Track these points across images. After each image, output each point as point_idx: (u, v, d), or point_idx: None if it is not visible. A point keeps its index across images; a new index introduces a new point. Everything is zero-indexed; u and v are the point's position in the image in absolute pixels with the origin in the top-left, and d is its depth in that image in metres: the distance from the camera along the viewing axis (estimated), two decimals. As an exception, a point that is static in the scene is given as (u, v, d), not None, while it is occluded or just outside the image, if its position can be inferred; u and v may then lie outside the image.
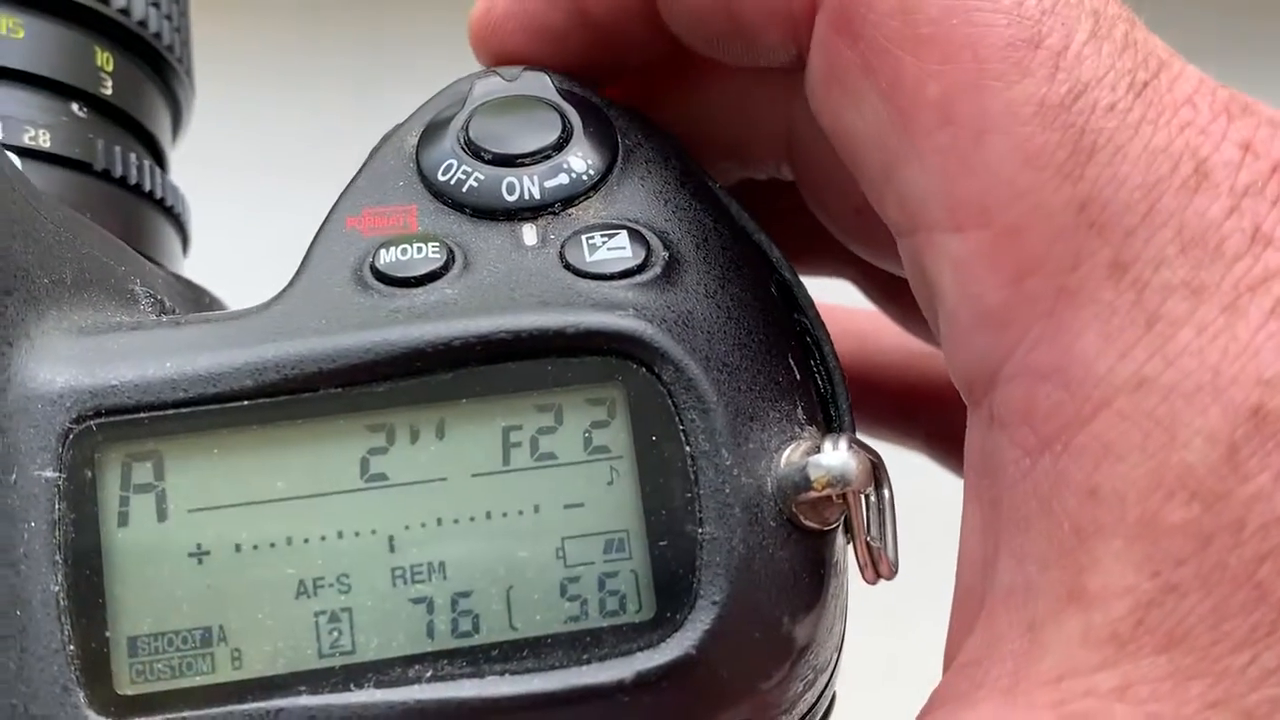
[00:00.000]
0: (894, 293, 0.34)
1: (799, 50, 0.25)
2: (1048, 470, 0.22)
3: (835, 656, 0.26)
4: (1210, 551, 0.21)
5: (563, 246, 0.25)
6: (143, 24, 0.32)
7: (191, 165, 0.37)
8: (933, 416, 0.36)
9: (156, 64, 0.33)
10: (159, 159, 0.33)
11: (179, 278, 0.30)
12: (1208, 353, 0.21)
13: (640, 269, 0.25)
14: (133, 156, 0.31)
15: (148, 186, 0.31)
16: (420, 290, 0.25)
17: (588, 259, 0.25)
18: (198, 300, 0.30)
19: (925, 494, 0.36)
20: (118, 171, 0.30)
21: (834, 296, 0.35)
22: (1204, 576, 0.21)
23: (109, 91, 0.31)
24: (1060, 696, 0.21)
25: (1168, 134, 0.22)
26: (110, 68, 0.31)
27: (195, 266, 0.34)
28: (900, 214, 0.24)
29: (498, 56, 0.28)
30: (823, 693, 0.26)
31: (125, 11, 0.31)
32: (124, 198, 0.31)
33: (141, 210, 0.31)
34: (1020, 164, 0.22)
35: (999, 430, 0.23)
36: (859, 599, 0.27)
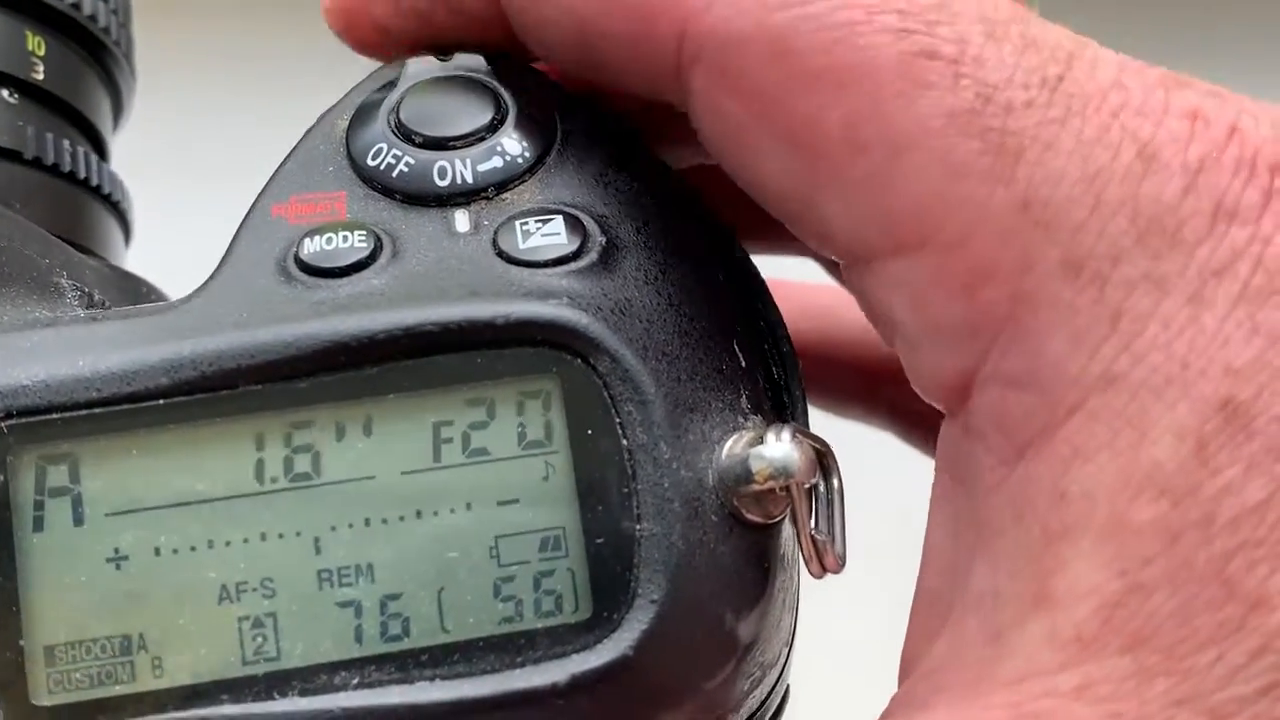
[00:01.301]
0: None
1: (672, 101, 0.24)
2: (1020, 478, 0.22)
3: (785, 651, 0.25)
4: (1178, 549, 0.20)
5: (496, 233, 0.24)
6: (76, 6, 0.31)
7: (141, 155, 0.36)
8: (897, 392, 0.35)
9: (93, 49, 0.32)
10: (98, 146, 0.32)
11: (114, 269, 0.29)
12: (1175, 346, 0.21)
13: (575, 255, 0.24)
14: (66, 144, 0.30)
15: (83, 174, 0.30)
16: (345, 281, 0.24)
17: (521, 246, 0.24)
18: (134, 291, 0.29)
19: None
20: (49, 159, 0.29)
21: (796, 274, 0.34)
22: (1171, 574, 0.20)
23: (40, 76, 0.30)
24: (1018, 698, 0.21)
25: (1099, 121, 0.21)
26: (42, 52, 0.30)
27: (150, 257, 0.34)
28: (833, 250, 0.23)
29: (361, 32, 0.27)
30: (773, 689, 0.25)
31: (58, -6, 0.30)
32: (57, 186, 0.30)
33: (77, 199, 0.30)
34: (945, 177, 0.22)
35: (974, 439, 0.22)
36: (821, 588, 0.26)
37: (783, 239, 0.32)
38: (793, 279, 0.33)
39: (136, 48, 0.33)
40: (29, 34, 0.30)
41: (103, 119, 0.33)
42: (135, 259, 0.33)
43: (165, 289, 0.30)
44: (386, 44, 0.27)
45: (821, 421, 0.31)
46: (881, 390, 0.35)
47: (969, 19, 0.22)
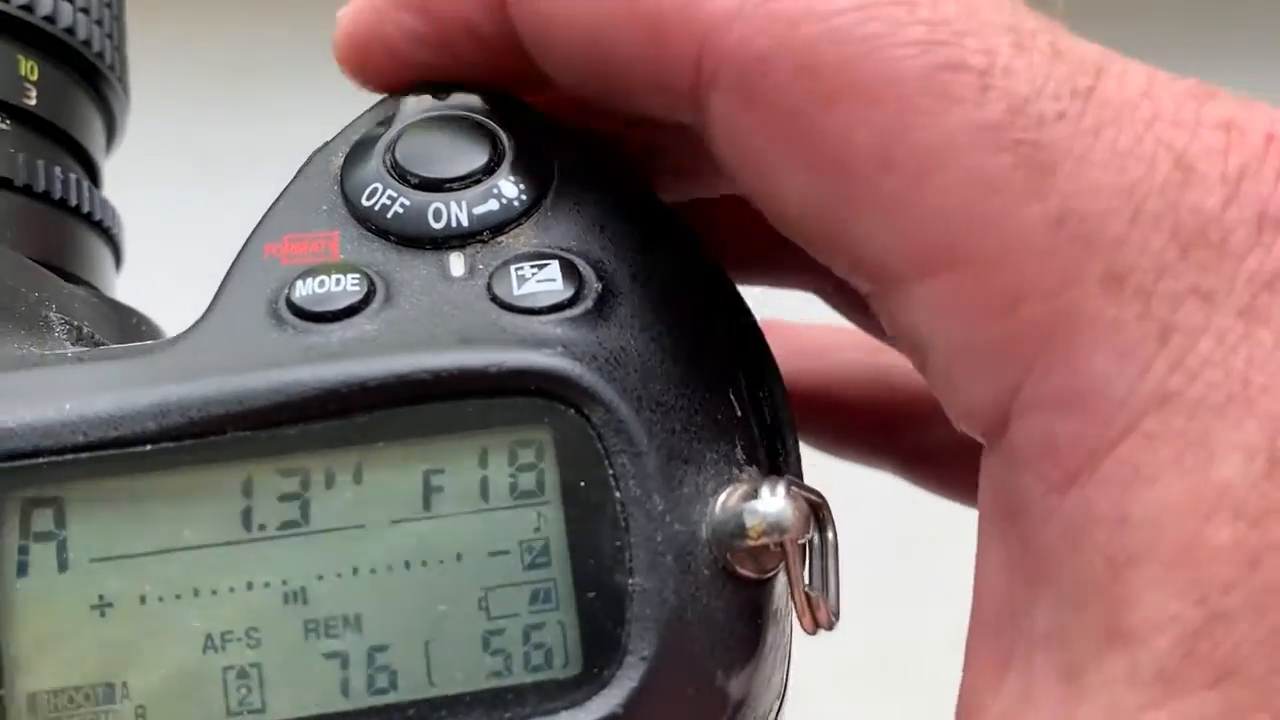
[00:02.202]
0: (861, 300, 0.32)
1: (687, 122, 0.24)
2: (1075, 503, 0.21)
3: (777, 705, 0.25)
4: (1259, 573, 0.19)
5: (491, 278, 0.24)
6: (70, 31, 0.30)
7: (132, 175, 0.36)
8: (903, 433, 0.35)
9: (87, 72, 0.31)
10: (90, 171, 0.32)
11: (105, 299, 0.29)
12: (1232, 362, 0.20)
13: (571, 302, 0.24)
14: (58, 170, 0.30)
15: (74, 202, 0.30)
16: (337, 326, 0.23)
17: (516, 292, 0.24)
18: (124, 323, 0.29)
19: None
20: (40, 187, 0.29)
21: (793, 313, 0.33)
22: (1254, 601, 0.19)
23: (33, 102, 0.30)
24: None
25: (1133, 133, 0.21)
26: (35, 77, 0.30)
27: (138, 283, 0.33)
28: (860, 274, 0.23)
29: (373, 61, 0.27)
30: (763, 744, 0.25)
31: (51, 19, 0.30)
32: (49, 214, 0.30)
33: (69, 227, 0.30)
34: (976, 194, 0.21)
35: (1020, 468, 0.22)
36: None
37: (783, 272, 0.32)
38: (789, 318, 0.33)
39: (132, 50, 0.33)
40: (21, 58, 0.30)
41: (95, 143, 0.32)
42: (129, 267, 0.32)
43: (158, 284, 0.30)
44: (397, 73, 0.26)
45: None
46: (887, 432, 0.34)
47: (997, 29, 0.21)
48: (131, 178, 0.33)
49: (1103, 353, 0.20)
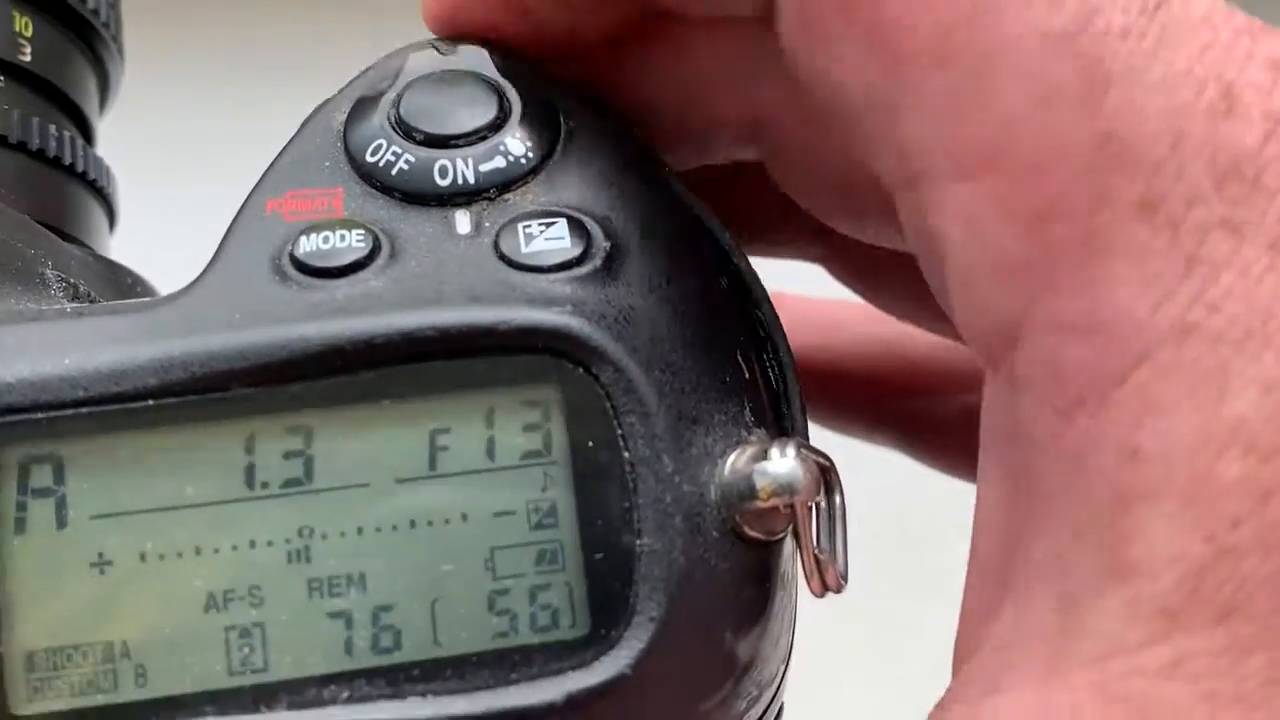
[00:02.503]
0: (869, 270, 0.32)
1: (751, 7, 0.23)
2: (1082, 431, 0.20)
3: (782, 669, 0.25)
4: (1270, 509, 0.19)
5: (497, 235, 0.24)
6: None
7: (130, 140, 0.35)
8: (905, 406, 0.34)
9: (81, 30, 0.31)
10: (85, 130, 0.31)
11: (100, 258, 0.29)
12: (1255, 295, 0.20)
13: (579, 261, 0.23)
14: (53, 128, 0.29)
15: (68, 160, 0.29)
16: (343, 282, 0.23)
17: (523, 249, 0.23)
18: (119, 282, 0.28)
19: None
20: (35, 144, 0.29)
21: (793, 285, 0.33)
22: (1263, 537, 0.19)
23: (28, 59, 0.29)
24: (1102, 677, 0.19)
25: (1188, 56, 0.20)
26: (29, 33, 0.29)
27: (135, 244, 0.33)
28: (899, 167, 0.22)
29: (453, 26, 0.26)
30: (768, 707, 0.25)
31: (45, -26, 0.30)
32: (43, 172, 0.29)
33: (63, 186, 0.30)
34: (1032, 100, 0.20)
35: (1024, 391, 0.21)
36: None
37: (785, 242, 0.32)
38: (795, 291, 0.33)
39: (132, 40, 0.32)
40: (16, 14, 0.29)
41: (90, 102, 0.32)
42: (128, 249, 0.32)
43: (155, 277, 0.29)
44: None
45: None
46: (889, 405, 0.34)
47: None
48: (126, 174, 0.32)
49: (1125, 279, 0.20)
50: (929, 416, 0.33)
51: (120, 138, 0.35)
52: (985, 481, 0.22)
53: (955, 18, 0.21)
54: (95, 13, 0.31)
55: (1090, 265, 0.20)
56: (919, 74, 0.21)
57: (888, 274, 0.31)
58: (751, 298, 0.26)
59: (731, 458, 0.23)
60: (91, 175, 0.30)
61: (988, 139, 0.21)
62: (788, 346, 0.26)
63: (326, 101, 0.26)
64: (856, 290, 0.33)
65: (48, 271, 0.26)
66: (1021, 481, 0.21)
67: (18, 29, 0.29)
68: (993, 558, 0.22)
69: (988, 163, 0.21)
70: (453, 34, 0.26)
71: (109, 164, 0.32)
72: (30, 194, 0.28)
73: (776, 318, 0.26)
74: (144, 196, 0.34)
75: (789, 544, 0.24)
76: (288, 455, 0.22)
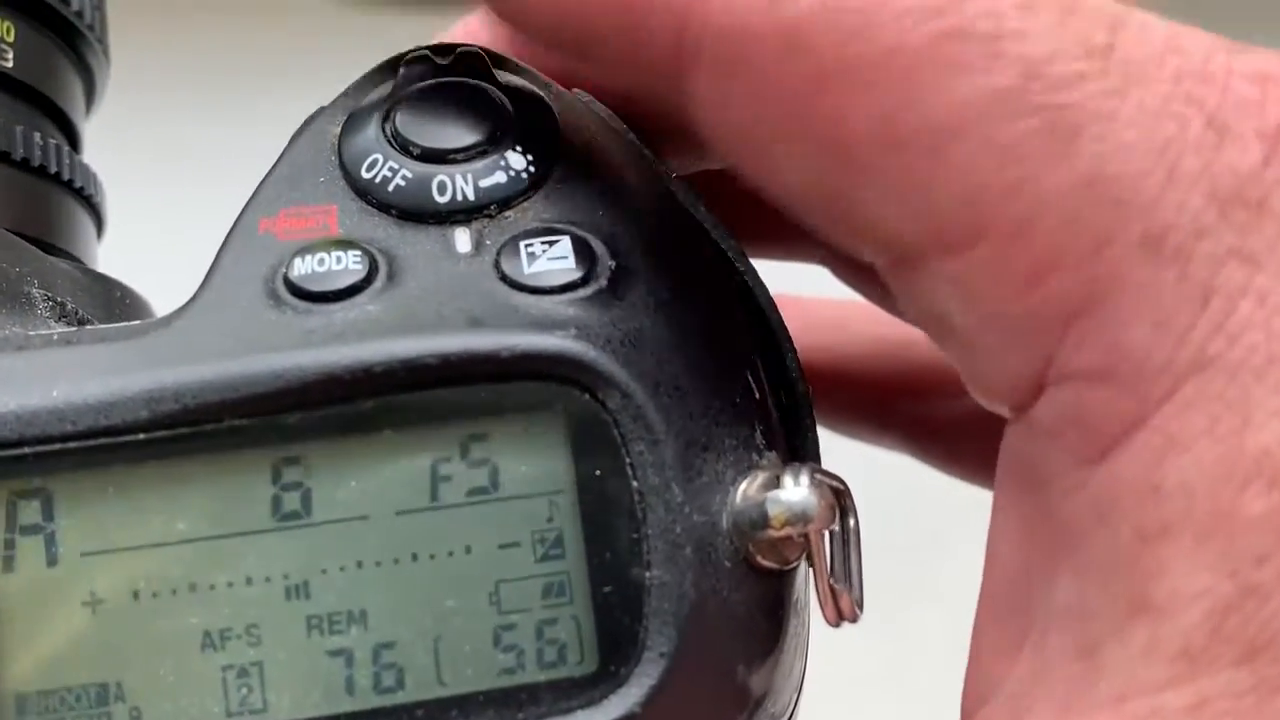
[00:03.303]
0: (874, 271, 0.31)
1: (672, 103, 0.22)
2: (1105, 476, 0.20)
3: (795, 697, 0.24)
4: None
5: (498, 254, 0.23)
6: None
7: (117, 144, 0.34)
8: (911, 407, 0.34)
9: (66, 33, 0.30)
10: (70, 136, 0.30)
11: (88, 272, 0.28)
12: (1274, 324, 0.19)
13: (584, 281, 0.23)
14: (37, 136, 0.28)
15: (54, 169, 0.28)
16: (339, 306, 0.22)
17: (526, 270, 0.23)
18: (109, 297, 0.27)
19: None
20: (19, 153, 0.28)
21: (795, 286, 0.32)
22: None
23: (10, 64, 0.28)
24: (1121, 719, 0.19)
25: (1161, 90, 0.20)
26: (11, 38, 0.29)
27: (122, 250, 0.32)
28: (875, 253, 0.22)
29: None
30: (782, 737, 0.24)
31: (27, -25, 0.29)
32: (27, 182, 0.28)
33: (49, 195, 0.29)
34: (996, 164, 0.20)
35: (1044, 439, 0.21)
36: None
37: (787, 244, 0.31)
38: (795, 293, 0.32)
39: (116, 42, 0.32)
40: (-3, 18, 0.28)
41: (75, 107, 0.31)
42: (116, 260, 0.31)
43: (142, 282, 0.29)
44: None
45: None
46: (894, 406, 0.33)
47: None
48: (117, 176, 0.31)
49: (1139, 320, 0.19)
50: (938, 418, 0.33)
51: (106, 141, 0.34)
52: (1001, 521, 0.22)
53: (891, 104, 0.20)
54: (80, 15, 0.30)
55: (1099, 310, 0.20)
56: (869, 165, 0.20)
57: None
58: (759, 310, 0.25)
59: (743, 485, 0.22)
60: (79, 183, 0.29)
61: (962, 211, 0.20)
62: (797, 359, 0.25)
63: (320, 111, 0.25)
64: (862, 292, 0.32)
65: (34, 291, 0.25)
66: (1040, 525, 0.21)
67: (0, 34, 0.28)
68: (1007, 599, 0.22)
69: (969, 234, 0.20)
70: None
71: (96, 170, 0.31)
72: (15, 205, 0.28)
73: (785, 328, 0.25)
74: (131, 201, 0.33)
75: (801, 571, 0.23)
76: (285, 488, 0.22)
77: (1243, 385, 0.19)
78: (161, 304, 0.28)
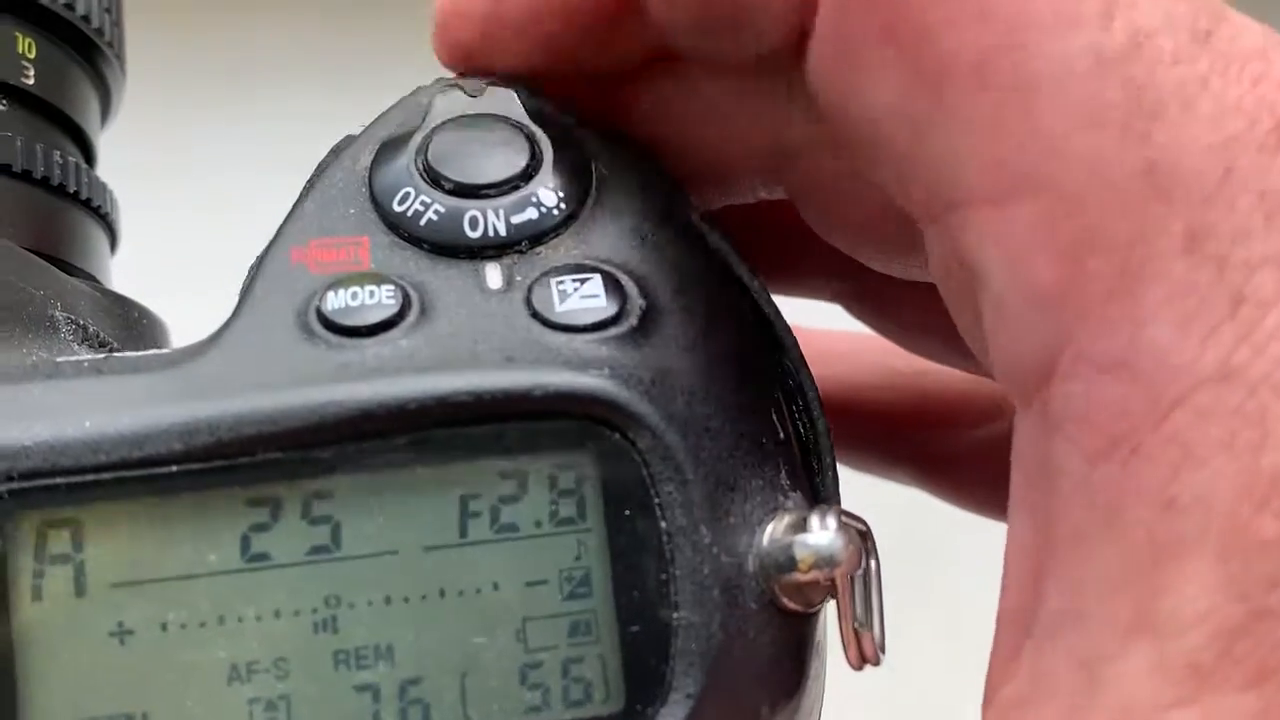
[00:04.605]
0: (890, 307, 0.31)
1: (801, 22, 0.22)
2: (1113, 478, 0.19)
3: (813, 736, 0.24)
4: None
5: (530, 291, 0.23)
6: (69, 6, 0.29)
7: (129, 154, 0.34)
8: (922, 440, 0.34)
9: (85, 49, 0.30)
10: (86, 152, 0.30)
11: (106, 293, 0.28)
12: None
13: (615, 320, 0.23)
14: (56, 154, 0.28)
15: (72, 188, 0.28)
16: (372, 341, 0.22)
17: (557, 308, 0.23)
18: (127, 318, 0.27)
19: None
20: (39, 172, 0.28)
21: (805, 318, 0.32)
22: None
23: (31, 81, 0.28)
24: None
25: (1239, 88, 0.20)
26: (33, 55, 0.28)
27: (139, 270, 0.32)
28: (933, 193, 0.21)
29: (464, 53, 0.25)
30: (798, 775, 0.24)
31: (49, -7, 0.28)
32: (46, 200, 0.28)
33: (67, 215, 0.29)
34: (1078, 125, 0.20)
35: (1054, 432, 0.20)
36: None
37: (804, 280, 0.31)
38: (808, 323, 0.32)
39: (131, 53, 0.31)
40: (19, 35, 0.28)
41: (92, 122, 0.31)
42: (116, 260, 0.31)
43: (149, 296, 0.29)
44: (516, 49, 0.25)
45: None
46: (905, 438, 0.34)
47: None
48: (117, 177, 0.31)
49: (1164, 316, 0.19)
50: (948, 451, 0.33)
51: (107, 141, 0.34)
52: (1014, 521, 0.22)
53: (1000, 39, 0.20)
54: (99, 31, 0.30)
55: (1128, 300, 0.19)
56: (960, 95, 0.20)
57: (909, 311, 0.31)
58: (782, 348, 0.25)
59: (769, 527, 0.22)
60: (95, 202, 0.29)
61: (1029, 162, 0.20)
62: (818, 397, 0.25)
63: (348, 140, 0.25)
64: (876, 328, 0.32)
65: (56, 313, 0.25)
66: (1047, 524, 0.20)
67: (20, 50, 0.28)
68: (1015, 608, 0.21)
69: (1028, 187, 0.20)
70: (463, 67, 0.26)
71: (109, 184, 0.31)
72: (34, 225, 0.28)
73: (806, 365, 0.25)
74: (131, 201, 0.33)
75: (824, 612, 0.23)
76: (314, 521, 0.22)
77: (1262, 401, 0.19)
78: (161, 303, 0.28)
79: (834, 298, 0.32)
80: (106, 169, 0.31)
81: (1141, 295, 0.19)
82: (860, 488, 0.32)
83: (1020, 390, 0.21)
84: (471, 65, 0.26)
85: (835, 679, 0.24)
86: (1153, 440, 0.19)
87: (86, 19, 0.29)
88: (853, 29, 0.21)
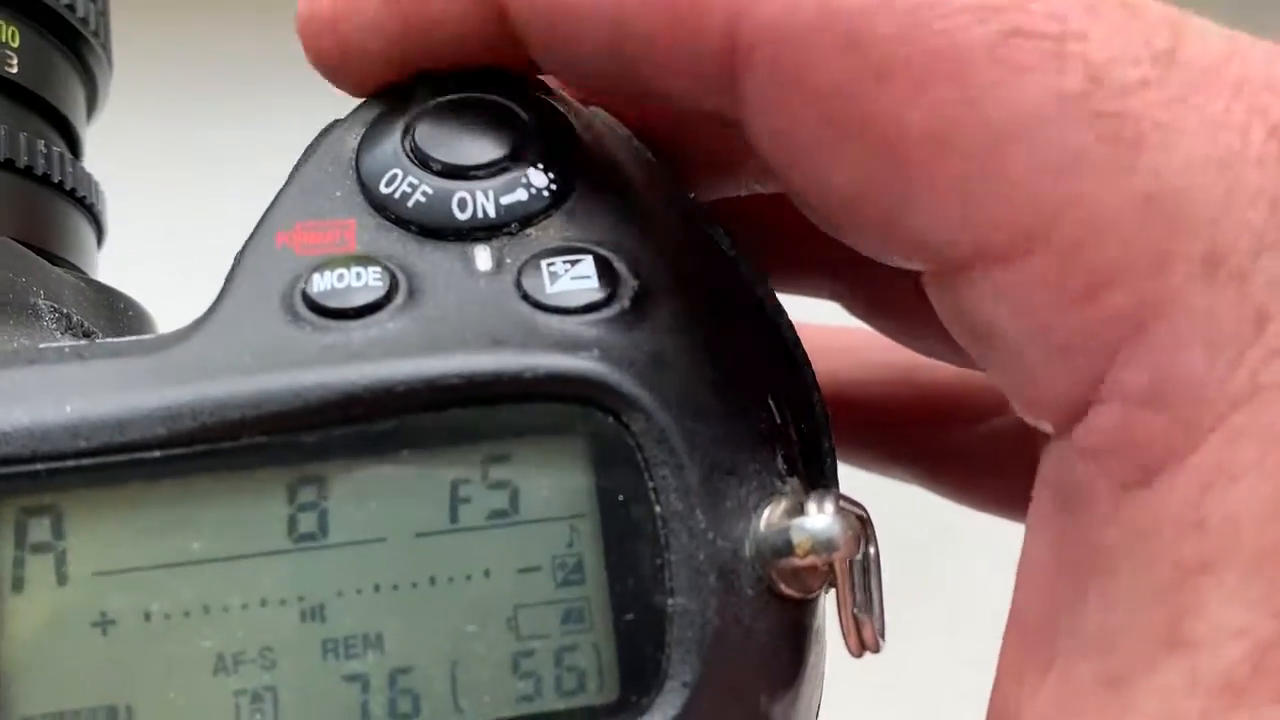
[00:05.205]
0: (889, 305, 0.31)
1: (719, 108, 0.22)
2: (1147, 505, 0.19)
3: (812, 726, 0.24)
4: None
5: (520, 273, 0.22)
6: None
7: (118, 148, 0.34)
8: (921, 436, 0.33)
9: (69, 38, 0.30)
10: (72, 144, 0.30)
11: (92, 283, 0.27)
12: None
13: (607, 302, 0.22)
14: (41, 144, 0.28)
15: (57, 178, 0.28)
16: (358, 323, 0.22)
17: (548, 289, 0.22)
18: (112, 308, 0.27)
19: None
20: (23, 162, 0.27)
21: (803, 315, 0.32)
22: None
23: (15, 70, 0.28)
24: None
25: (1223, 101, 0.19)
26: (16, 43, 0.28)
27: (122, 260, 0.32)
28: (923, 262, 0.21)
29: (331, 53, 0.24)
30: (798, 766, 0.24)
31: (33, -20, 0.28)
32: (30, 190, 0.28)
33: (52, 205, 0.28)
34: (1056, 171, 0.19)
35: (1088, 461, 0.20)
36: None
37: (802, 276, 0.31)
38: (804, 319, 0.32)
39: (119, 49, 0.31)
40: (2, 24, 0.28)
41: (78, 114, 0.30)
42: (116, 260, 0.31)
43: (137, 289, 0.28)
44: (369, 72, 0.24)
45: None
46: (904, 434, 0.33)
47: None
48: (121, 175, 0.31)
49: (1193, 343, 0.19)
50: (946, 447, 0.32)
51: (106, 141, 0.33)
52: (1035, 540, 0.21)
53: (951, 102, 0.19)
54: (84, 20, 0.30)
55: (1153, 331, 0.19)
56: (923, 167, 0.20)
57: (909, 309, 0.30)
58: (779, 333, 0.25)
59: (766, 511, 0.22)
60: (81, 192, 0.29)
61: (1017, 220, 0.19)
62: (816, 384, 0.25)
63: (335, 123, 0.25)
64: (875, 325, 0.32)
65: (39, 302, 0.24)
66: (1076, 548, 0.20)
67: (4, 39, 0.28)
68: (1036, 622, 0.21)
69: (1022, 244, 0.20)
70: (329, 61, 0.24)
71: (96, 176, 0.30)
72: (17, 214, 0.27)
73: (804, 353, 0.25)
74: (130, 201, 0.32)
75: (822, 600, 0.23)
76: (301, 508, 0.21)
77: None
78: (159, 303, 0.28)
79: (832, 295, 0.31)
80: (99, 162, 0.31)
81: (1167, 322, 0.19)
82: (857, 478, 0.32)
83: (1052, 428, 0.21)
84: (338, 74, 0.25)
85: (835, 667, 0.24)
86: (1185, 465, 0.19)
87: (71, 8, 0.29)
88: (790, 127, 0.21)
